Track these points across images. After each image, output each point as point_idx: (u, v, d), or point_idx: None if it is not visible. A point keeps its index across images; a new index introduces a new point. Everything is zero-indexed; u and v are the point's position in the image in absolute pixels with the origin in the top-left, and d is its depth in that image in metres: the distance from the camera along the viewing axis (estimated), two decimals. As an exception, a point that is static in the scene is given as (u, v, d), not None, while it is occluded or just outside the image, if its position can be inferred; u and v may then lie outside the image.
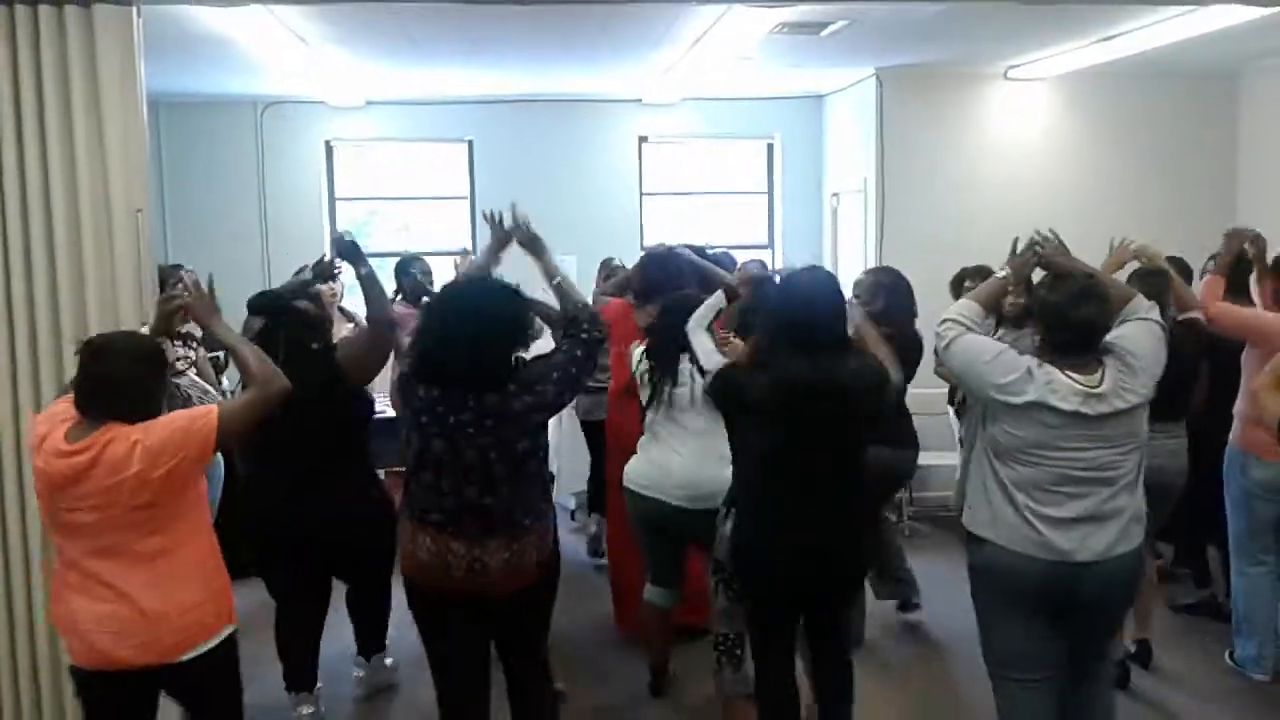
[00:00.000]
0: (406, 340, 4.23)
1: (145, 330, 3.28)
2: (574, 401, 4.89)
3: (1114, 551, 3.18)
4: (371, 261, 4.28)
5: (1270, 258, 4.62)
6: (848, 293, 4.27)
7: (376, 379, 4.40)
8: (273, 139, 7.99)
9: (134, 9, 3.80)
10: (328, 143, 8.20)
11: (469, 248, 7.19)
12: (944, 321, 3.33)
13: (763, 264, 4.73)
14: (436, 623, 3.38)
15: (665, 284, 4.64)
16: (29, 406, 3.80)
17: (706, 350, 3.85)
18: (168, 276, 4.60)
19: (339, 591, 4.50)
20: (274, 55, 5.99)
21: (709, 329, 3.95)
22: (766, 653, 3.63)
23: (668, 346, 4.24)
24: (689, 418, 4.17)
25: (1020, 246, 3.48)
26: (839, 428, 3.37)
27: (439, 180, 8.50)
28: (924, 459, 5.59)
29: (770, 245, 8.58)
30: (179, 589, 2.86)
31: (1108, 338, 3.22)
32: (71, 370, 3.72)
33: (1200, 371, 4.65)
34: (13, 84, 3.74)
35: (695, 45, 6.01)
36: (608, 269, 6.38)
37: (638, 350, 4.40)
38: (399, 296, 6.11)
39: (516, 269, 3.75)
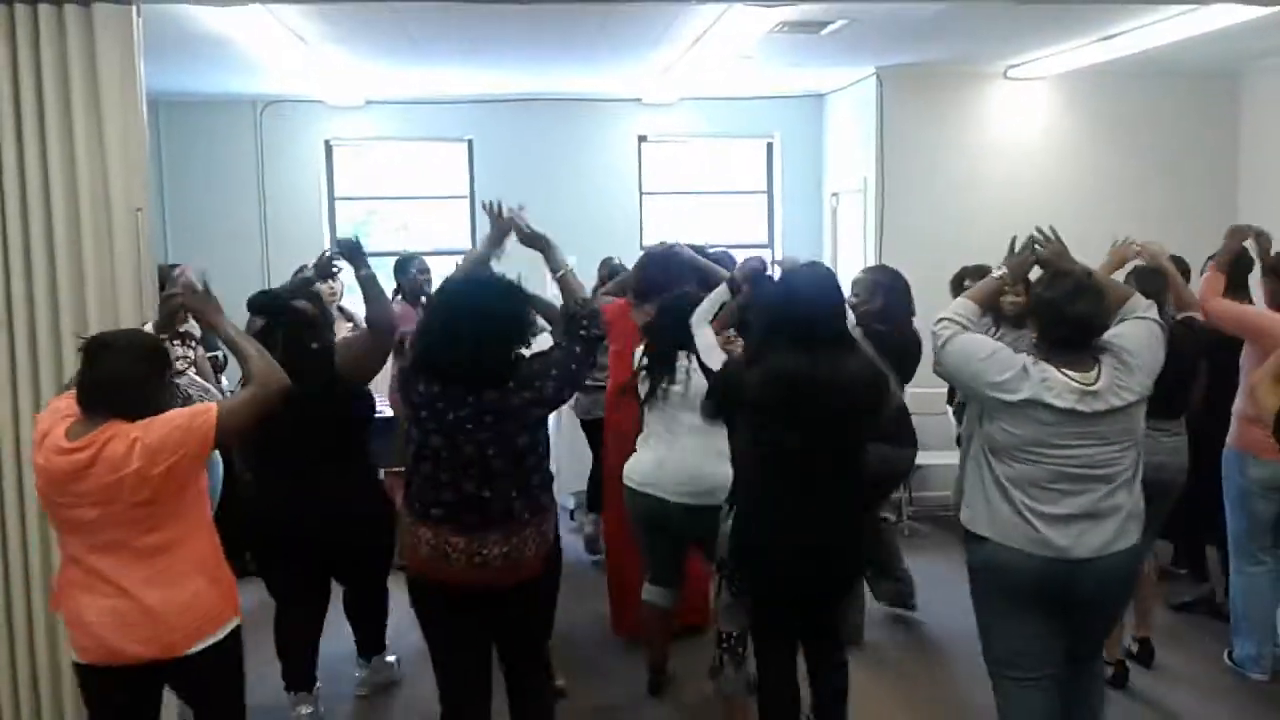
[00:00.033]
0: (407, 336, 4.26)
1: (149, 327, 3.28)
2: (573, 400, 4.90)
3: (1111, 549, 3.18)
4: (371, 261, 4.28)
5: (1263, 262, 4.62)
6: (846, 291, 4.26)
7: (376, 378, 4.40)
8: (272, 138, 7.98)
9: (133, 8, 3.80)
10: (327, 142, 8.20)
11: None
12: (940, 320, 3.33)
13: (763, 261, 4.72)
14: (439, 618, 3.38)
15: (664, 283, 4.64)
16: (28, 406, 3.80)
17: (708, 345, 3.86)
18: (166, 276, 4.60)
19: (339, 590, 4.50)
20: (273, 54, 5.99)
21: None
22: (768, 653, 3.63)
23: (665, 344, 4.25)
24: (687, 415, 4.16)
25: (1019, 245, 3.48)
26: (839, 427, 3.37)
27: (438, 180, 8.49)
28: (923, 458, 5.60)
29: (770, 245, 8.57)
30: (181, 584, 2.86)
31: (1105, 336, 3.23)
32: (71, 369, 3.73)
33: (1199, 370, 4.66)
34: (12, 83, 3.74)
35: (695, 44, 6.01)
36: (607, 268, 6.39)
37: (640, 351, 4.40)
38: (397, 295, 6.15)
39: (522, 261, 3.75)
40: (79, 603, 2.86)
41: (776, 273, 4.30)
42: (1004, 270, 3.48)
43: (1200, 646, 4.99)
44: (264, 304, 4.13)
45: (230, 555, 3.09)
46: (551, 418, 3.47)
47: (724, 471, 3.70)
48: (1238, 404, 4.53)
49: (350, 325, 5.99)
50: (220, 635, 2.94)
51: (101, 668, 2.89)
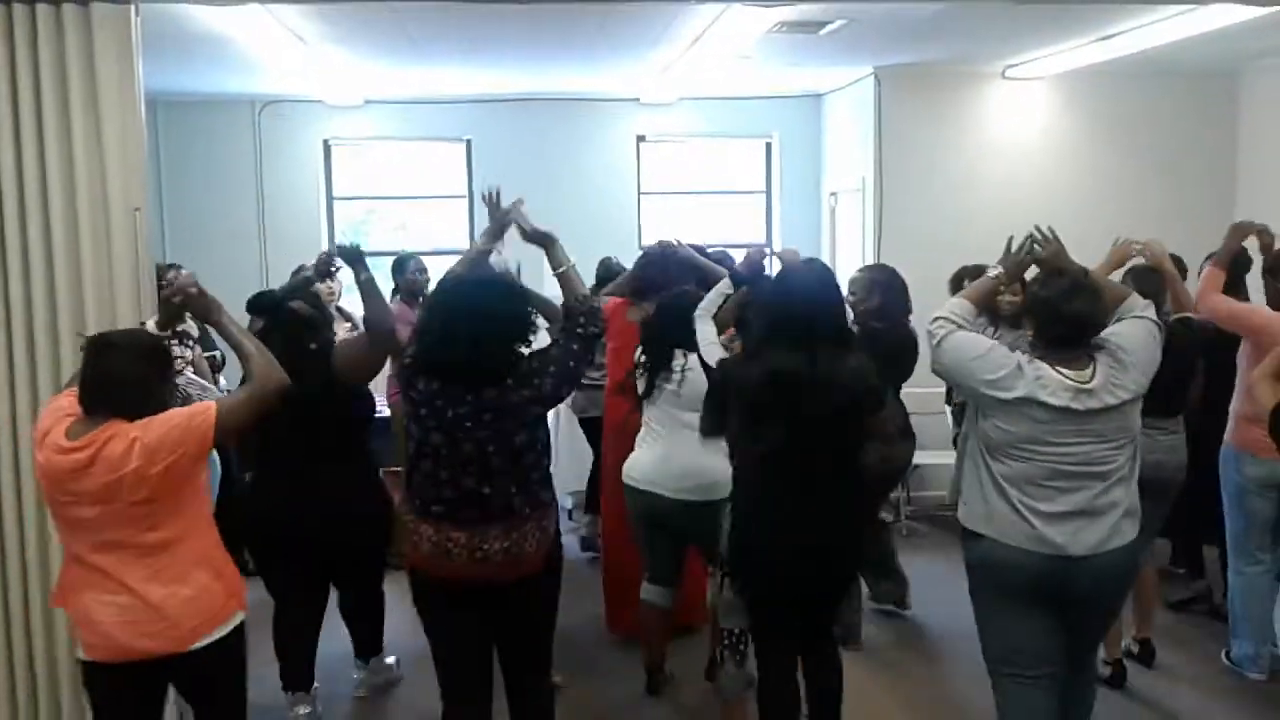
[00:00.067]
0: (405, 335, 4.26)
1: (152, 324, 3.28)
2: (569, 398, 4.90)
3: (1108, 546, 3.19)
4: (370, 261, 4.28)
5: (1264, 261, 4.62)
6: (844, 290, 4.27)
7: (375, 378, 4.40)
8: (271, 138, 7.98)
9: (132, 7, 3.79)
10: (326, 142, 8.20)
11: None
12: (936, 319, 3.34)
13: (765, 250, 4.77)
14: (440, 615, 3.38)
15: (663, 282, 4.65)
16: (26, 405, 3.80)
17: (708, 340, 3.88)
18: (165, 275, 4.60)
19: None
20: (272, 54, 5.99)
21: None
22: (768, 652, 3.63)
23: (662, 341, 4.26)
24: (686, 413, 4.17)
25: (1015, 245, 3.49)
26: (839, 425, 3.37)
27: (437, 179, 8.49)
28: (921, 458, 5.61)
29: (769, 244, 8.57)
30: (185, 580, 2.87)
31: (1102, 334, 3.24)
32: (69, 369, 3.74)
33: (1196, 369, 4.66)
34: (10, 83, 3.74)
35: (694, 44, 6.01)
36: (604, 268, 6.39)
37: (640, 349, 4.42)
38: (395, 295, 6.17)
39: (521, 255, 3.76)
40: (85, 600, 2.87)
41: (775, 264, 4.32)
42: (1000, 270, 3.49)
43: (1199, 646, 4.99)
44: (263, 305, 4.14)
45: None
46: (550, 416, 3.47)
47: (724, 468, 3.70)
48: (1235, 403, 4.54)
49: (349, 325, 5.99)
50: (225, 630, 2.95)
51: (108, 665, 2.91)
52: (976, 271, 4.75)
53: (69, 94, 3.73)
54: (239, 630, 3.02)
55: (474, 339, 3.15)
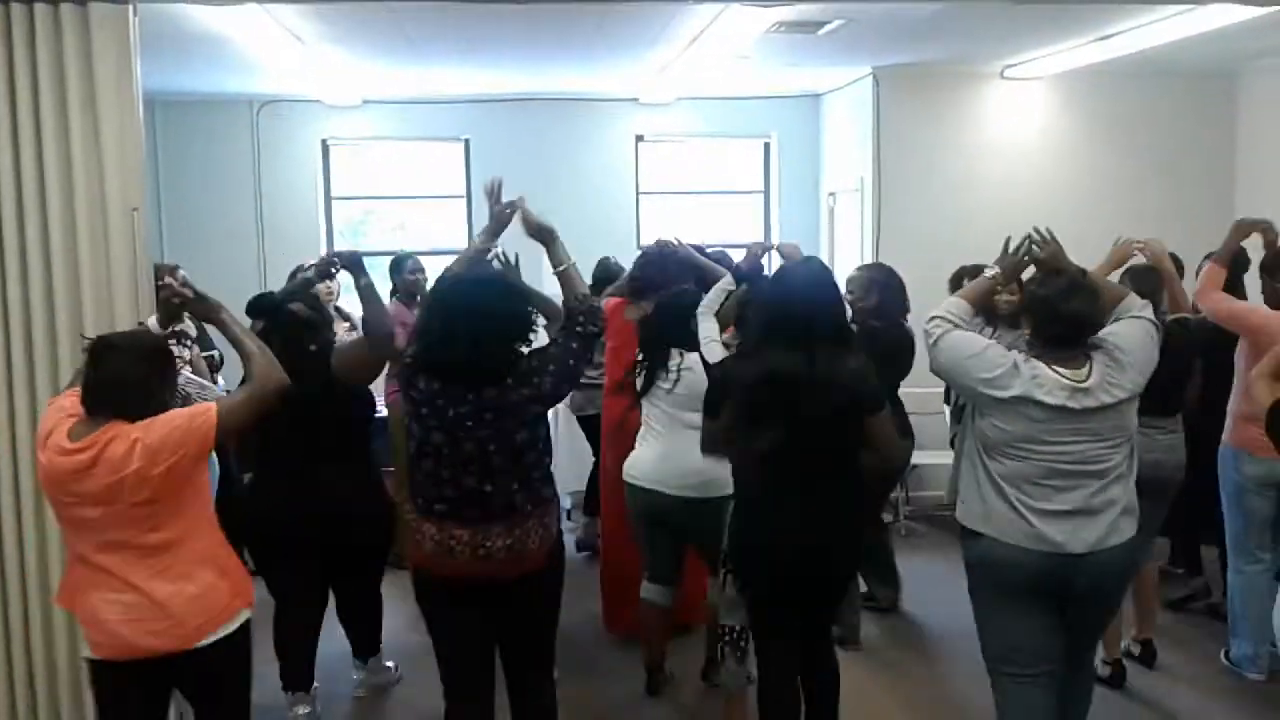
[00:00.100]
0: (402, 336, 4.26)
1: (152, 322, 3.29)
2: (568, 396, 4.90)
3: (1106, 543, 3.20)
4: (368, 260, 4.29)
5: (1261, 259, 4.62)
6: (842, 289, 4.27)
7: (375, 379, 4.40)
8: (269, 138, 7.98)
9: (130, 7, 3.79)
10: (324, 141, 8.19)
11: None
12: (932, 319, 3.35)
13: (766, 245, 4.79)
14: (444, 614, 3.38)
15: (661, 281, 4.66)
16: (24, 405, 3.80)
17: (710, 338, 3.88)
18: (163, 275, 4.59)
19: (338, 590, 4.50)
20: (270, 54, 5.99)
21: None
22: (768, 652, 3.63)
23: (660, 341, 4.27)
24: (685, 412, 4.18)
25: (1014, 245, 3.49)
26: (838, 426, 3.37)
27: (435, 179, 8.48)
28: (920, 458, 5.62)
29: (766, 238, 8.56)
30: (190, 577, 2.89)
31: (1100, 334, 3.24)
32: (67, 369, 3.74)
33: (1194, 369, 4.67)
34: (8, 83, 3.74)
35: (692, 44, 6.01)
36: (602, 268, 6.38)
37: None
38: (394, 295, 6.18)
39: (526, 255, 3.76)
40: (91, 600, 2.88)
41: (776, 259, 4.32)
42: (997, 270, 3.49)
43: (1197, 646, 5.00)
44: (262, 307, 4.15)
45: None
46: (549, 414, 3.47)
47: (724, 465, 3.71)
48: (1233, 402, 4.55)
49: (347, 325, 6.00)
50: (231, 628, 2.97)
51: (115, 663, 2.92)
52: (976, 271, 4.75)
53: (67, 94, 3.73)
54: (244, 628, 3.03)
55: (473, 338, 3.15)
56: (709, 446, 3.69)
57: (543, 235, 3.60)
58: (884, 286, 4.93)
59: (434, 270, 6.05)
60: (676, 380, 4.20)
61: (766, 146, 8.61)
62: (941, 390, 5.70)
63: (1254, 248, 4.68)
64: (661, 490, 4.21)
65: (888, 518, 6.31)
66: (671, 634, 4.73)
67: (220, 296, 3.26)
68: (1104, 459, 3.19)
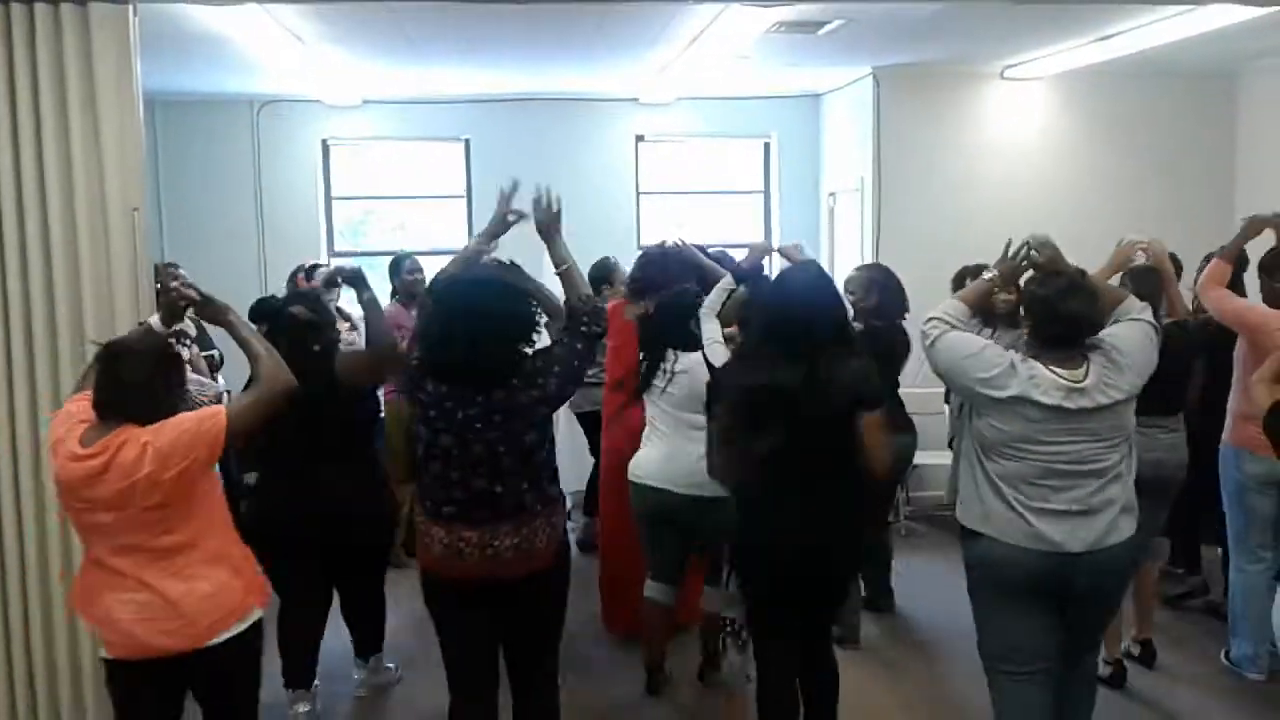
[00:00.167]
0: (402, 338, 4.26)
1: (155, 320, 3.30)
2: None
3: (1105, 542, 3.21)
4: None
5: (1260, 258, 4.62)
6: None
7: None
8: (269, 138, 7.97)
9: (130, 7, 3.80)
10: (324, 141, 8.18)
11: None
12: (930, 320, 3.36)
13: (768, 245, 4.80)
14: (452, 616, 3.39)
15: (663, 281, 4.66)
16: (24, 405, 3.81)
17: (712, 339, 3.89)
18: (162, 275, 4.61)
19: (339, 590, 4.50)
20: (270, 54, 5.98)
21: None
22: (768, 652, 3.64)
23: (659, 340, 4.27)
24: (686, 412, 4.19)
25: (1013, 248, 3.49)
26: (838, 427, 3.37)
27: (435, 179, 8.47)
28: (920, 458, 5.62)
29: (768, 239, 8.55)
30: (203, 577, 2.91)
31: (1098, 335, 3.25)
32: (67, 368, 3.75)
33: (1194, 369, 4.67)
34: (9, 83, 3.75)
35: (692, 44, 6.01)
36: (600, 268, 6.38)
37: None
38: (393, 296, 6.18)
39: (525, 256, 3.75)
40: (106, 601, 2.91)
41: (778, 261, 4.33)
42: (995, 273, 3.50)
43: (1196, 645, 5.00)
44: (264, 310, 4.17)
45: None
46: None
47: None
48: (1233, 401, 4.56)
49: (348, 325, 6.00)
50: (243, 626, 2.99)
51: (128, 662, 2.95)
52: (979, 271, 4.77)
53: (67, 94, 3.74)
54: (256, 627, 3.05)
55: (471, 338, 3.15)
56: (715, 472, 3.69)
57: (549, 232, 3.59)
58: (884, 287, 4.98)
59: (432, 270, 6.08)
60: (670, 379, 4.21)
61: (766, 146, 8.60)
62: (942, 391, 5.70)
63: (1253, 246, 4.68)
64: (669, 489, 4.22)
65: (889, 518, 6.31)
66: (674, 634, 4.73)
67: (220, 296, 3.27)
68: (1101, 459, 3.19)
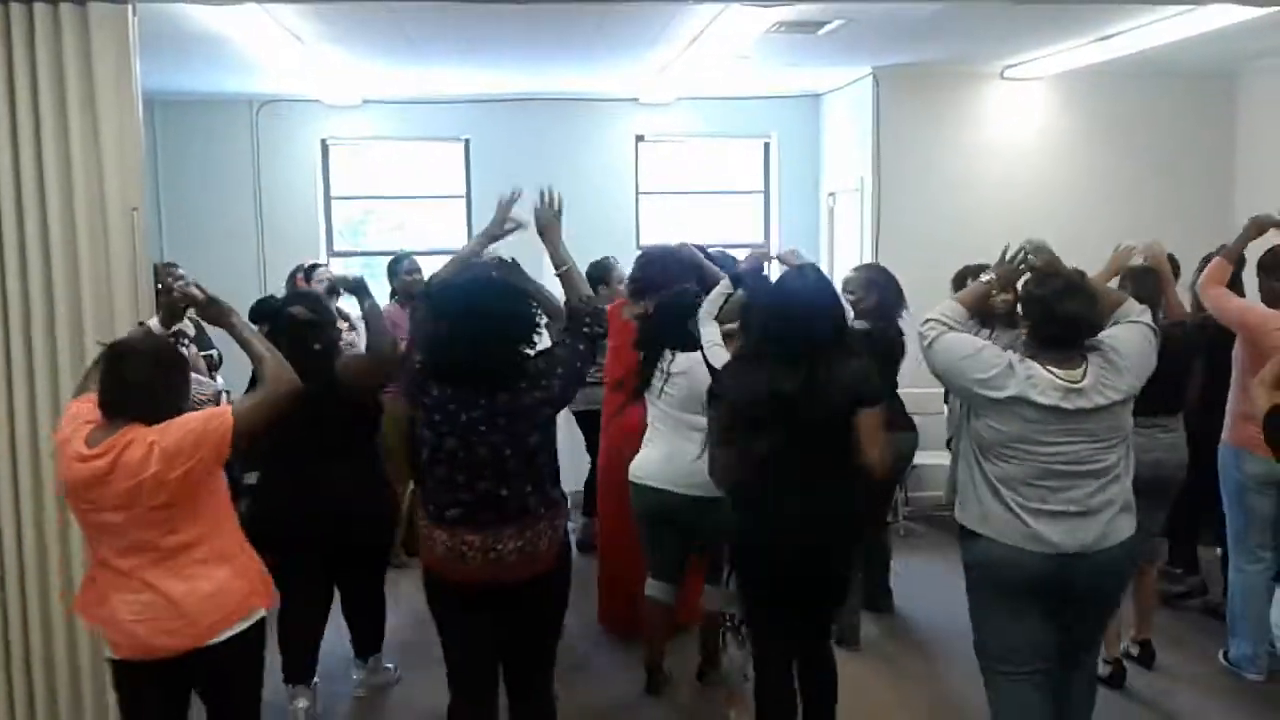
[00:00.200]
0: (400, 339, 4.26)
1: (154, 322, 3.31)
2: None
3: (1105, 543, 3.21)
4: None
5: (1259, 257, 4.63)
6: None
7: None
8: (268, 137, 7.96)
9: (129, 7, 3.80)
10: (323, 141, 8.18)
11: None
12: (927, 321, 3.38)
13: (766, 251, 4.80)
14: (454, 617, 3.39)
15: (662, 281, 4.66)
16: (23, 404, 3.81)
17: (711, 343, 3.89)
18: (162, 275, 4.61)
19: (340, 589, 4.50)
20: (270, 54, 5.98)
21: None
22: (767, 652, 3.64)
23: (657, 340, 4.27)
24: (686, 413, 4.19)
25: (1010, 252, 3.51)
26: (839, 427, 3.38)
27: (435, 179, 8.47)
28: (920, 458, 5.61)
29: (766, 245, 8.56)
30: (205, 576, 2.92)
31: (1097, 337, 3.26)
32: (66, 368, 3.75)
33: (1194, 369, 4.68)
34: (8, 82, 3.74)
35: (692, 44, 6.00)
36: (597, 268, 6.38)
37: None
38: (393, 297, 6.18)
39: (527, 252, 3.76)
40: (111, 603, 2.92)
41: (776, 267, 4.33)
42: (992, 277, 3.52)
43: (1195, 645, 5.01)
44: (265, 311, 4.17)
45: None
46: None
47: None
48: (1232, 401, 4.56)
49: (346, 325, 6.00)
50: (245, 625, 3.00)
51: (133, 663, 2.97)
52: (979, 270, 4.79)
53: (66, 94, 3.73)
54: (258, 626, 3.06)
55: (474, 339, 3.15)
56: (716, 474, 3.69)
57: (548, 233, 3.60)
58: (883, 287, 4.99)
59: (430, 271, 6.07)
60: (668, 380, 4.21)
61: (766, 146, 8.60)
62: (940, 391, 5.70)
63: (1252, 245, 4.67)
64: (669, 490, 4.22)
65: (888, 518, 6.31)
66: (674, 633, 4.74)
67: (219, 296, 3.27)
68: (1099, 459, 3.20)
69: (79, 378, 3.50)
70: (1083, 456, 3.17)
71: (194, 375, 4.84)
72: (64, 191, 3.76)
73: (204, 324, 3.96)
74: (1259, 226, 4.55)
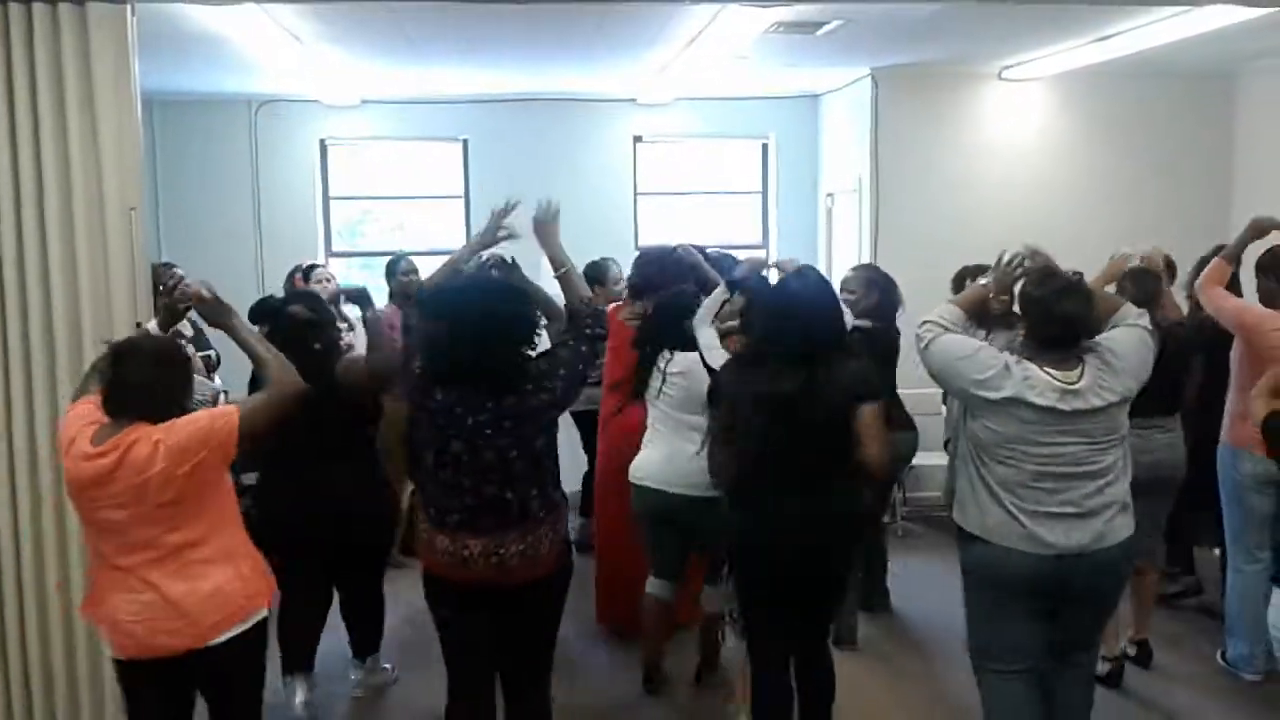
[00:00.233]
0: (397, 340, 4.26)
1: (152, 325, 3.31)
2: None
3: (1103, 543, 3.22)
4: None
5: (1257, 258, 4.63)
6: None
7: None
8: (267, 138, 7.96)
9: (128, 7, 3.79)
10: (322, 141, 8.17)
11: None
12: (924, 323, 3.39)
13: (763, 261, 4.80)
14: (454, 618, 3.40)
15: (660, 282, 4.67)
16: (21, 404, 3.80)
17: (709, 347, 3.90)
18: (160, 274, 4.60)
19: (339, 589, 4.50)
20: (268, 54, 5.98)
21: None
22: (764, 652, 3.64)
23: (656, 341, 4.28)
24: (685, 414, 4.19)
25: (1006, 258, 3.52)
26: (838, 427, 3.38)
27: (434, 179, 8.47)
28: (917, 458, 5.61)
29: (765, 245, 8.57)
30: (206, 577, 2.93)
31: (1095, 339, 3.26)
32: (64, 368, 3.74)
33: (1193, 368, 4.68)
34: (6, 82, 3.74)
35: (690, 44, 6.00)
36: (595, 268, 6.38)
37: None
38: (391, 298, 6.18)
39: (526, 253, 3.76)
40: (113, 603, 2.93)
41: (774, 276, 4.34)
42: (989, 281, 3.54)
43: (1191, 644, 5.01)
44: (264, 311, 4.17)
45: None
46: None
47: None
48: (1230, 401, 4.56)
49: (345, 325, 6.00)
50: (245, 626, 3.01)
51: (135, 662, 2.98)
52: (979, 271, 4.81)
53: (65, 94, 3.73)
54: (260, 627, 3.07)
55: (476, 341, 3.15)
56: (716, 472, 3.69)
57: (547, 229, 3.61)
58: (884, 288, 5.00)
59: (427, 271, 6.07)
60: (666, 380, 4.22)
61: (765, 147, 8.60)
62: (939, 392, 5.71)
63: (1251, 246, 4.68)
64: (669, 490, 4.23)
65: (885, 518, 6.31)
66: (673, 632, 4.74)
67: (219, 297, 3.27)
68: (1096, 460, 3.21)
69: (77, 378, 3.51)
70: (1080, 458, 3.18)
71: (196, 377, 4.85)
72: (62, 191, 3.75)
73: (202, 325, 3.96)
74: (1259, 229, 4.55)
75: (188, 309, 3.32)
